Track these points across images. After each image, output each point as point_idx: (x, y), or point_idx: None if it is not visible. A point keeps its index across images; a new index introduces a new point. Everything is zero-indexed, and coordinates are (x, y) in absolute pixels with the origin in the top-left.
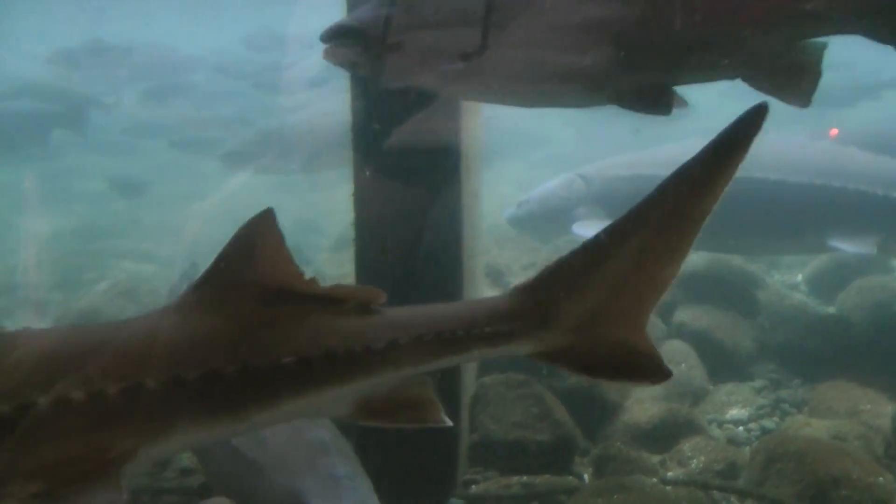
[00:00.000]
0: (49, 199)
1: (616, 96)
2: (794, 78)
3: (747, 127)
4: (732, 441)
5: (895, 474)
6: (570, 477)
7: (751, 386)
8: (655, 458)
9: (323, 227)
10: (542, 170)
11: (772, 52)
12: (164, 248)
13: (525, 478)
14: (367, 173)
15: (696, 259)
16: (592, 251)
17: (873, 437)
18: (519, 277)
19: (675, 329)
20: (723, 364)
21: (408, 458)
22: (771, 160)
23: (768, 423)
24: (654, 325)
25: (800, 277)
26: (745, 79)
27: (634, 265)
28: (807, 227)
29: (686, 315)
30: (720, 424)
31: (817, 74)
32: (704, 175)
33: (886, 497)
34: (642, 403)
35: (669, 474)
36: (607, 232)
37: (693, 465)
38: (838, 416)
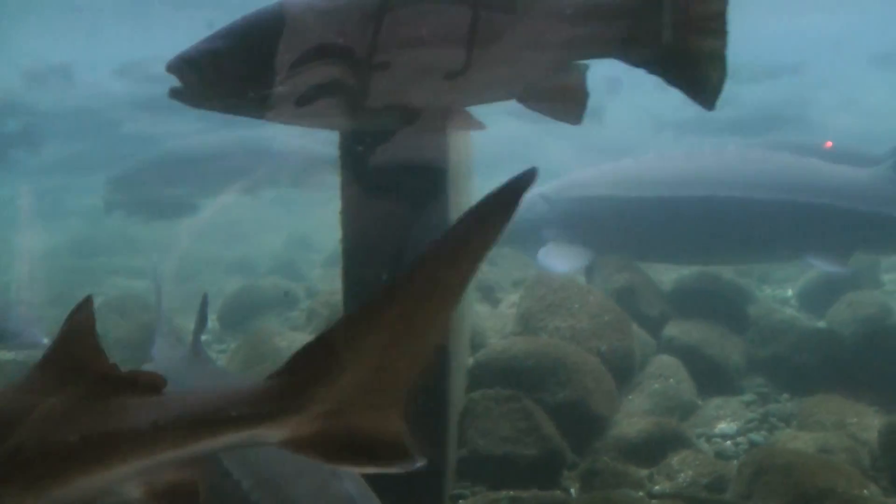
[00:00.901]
0: (43, 216)
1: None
2: (565, 98)
3: (512, 193)
4: (721, 455)
5: (881, 487)
6: (558, 491)
7: (740, 400)
8: (643, 472)
9: (317, 243)
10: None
11: (544, 75)
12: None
13: (513, 492)
14: (354, 189)
15: (686, 274)
16: (346, 330)
17: (860, 450)
18: (510, 294)
19: (664, 344)
20: (712, 378)
21: (394, 474)
22: (734, 177)
23: (756, 437)
24: (644, 340)
25: (790, 292)
26: (521, 100)
27: (392, 341)
28: (777, 242)
29: (676, 330)
30: (709, 438)
31: (585, 94)
32: (465, 241)
33: None
34: (631, 418)
35: (657, 488)
36: (363, 309)
37: (681, 479)
38: (826, 430)
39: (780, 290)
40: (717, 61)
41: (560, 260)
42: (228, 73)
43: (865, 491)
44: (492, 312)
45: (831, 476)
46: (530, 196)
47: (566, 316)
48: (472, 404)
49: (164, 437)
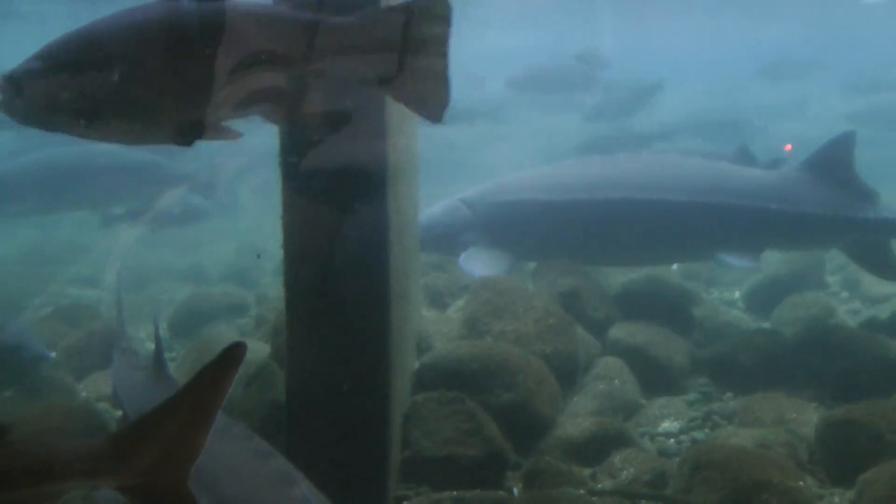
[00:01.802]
0: None
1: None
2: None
3: (220, 370)
4: (663, 453)
5: (818, 479)
6: (501, 491)
7: (683, 399)
8: (586, 472)
9: (269, 251)
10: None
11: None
12: (108, 274)
13: (456, 492)
14: (294, 195)
15: (633, 276)
16: (156, 414)
17: (798, 445)
18: (458, 299)
19: (609, 346)
20: (656, 379)
21: (336, 476)
22: (648, 180)
23: (699, 435)
24: (590, 342)
25: (737, 294)
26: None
27: (180, 431)
28: (690, 242)
29: (621, 332)
30: (652, 437)
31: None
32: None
33: (806, 500)
34: (575, 418)
35: (599, 486)
36: (167, 401)
37: (623, 477)
38: (765, 426)
39: (728, 293)
40: (440, 81)
41: (481, 264)
42: (49, 95)
43: (801, 483)
44: (439, 317)
45: (768, 469)
46: (452, 202)
47: (511, 319)
48: (416, 406)
49: (16, 480)
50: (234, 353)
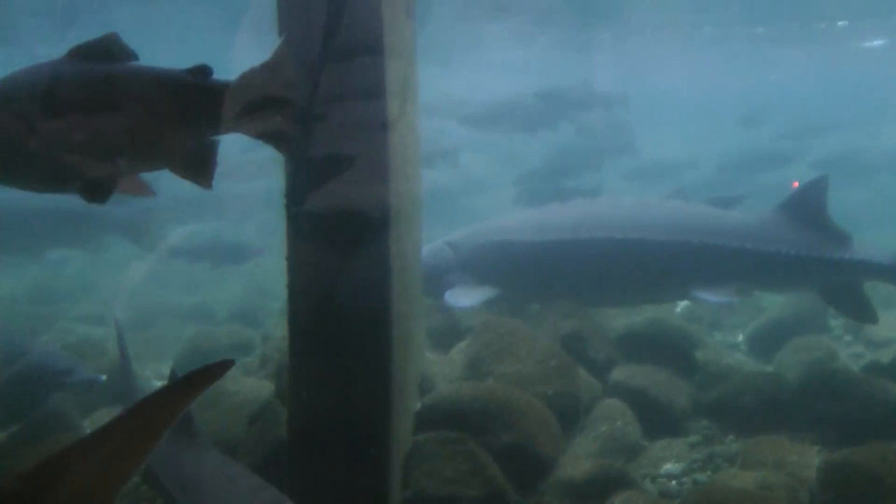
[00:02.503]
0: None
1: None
2: (198, 165)
3: (203, 378)
4: (665, 494)
5: None
6: None
7: (685, 441)
8: None
9: (273, 291)
10: None
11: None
12: (117, 311)
13: None
14: (297, 236)
15: (635, 319)
16: (80, 446)
17: (799, 488)
18: (460, 341)
19: (611, 387)
20: (658, 421)
21: None
22: (631, 220)
23: (701, 477)
24: (591, 383)
25: (740, 337)
26: (172, 169)
27: (106, 459)
28: (669, 280)
29: (622, 374)
30: (653, 479)
31: (212, 164)
32: (156, 408)
33: None
34: (576, 460)
35: None
36: (90, 435)
37: None
38: (766, 468)
39: (730, 336)
40: (286, 121)
41: (464, 298)
42: None
43: None
44: (441, 358)
45: None
46: (437, 244)
47: (513, 361)
48: (418, 446)
49: None
50: (206, 373)
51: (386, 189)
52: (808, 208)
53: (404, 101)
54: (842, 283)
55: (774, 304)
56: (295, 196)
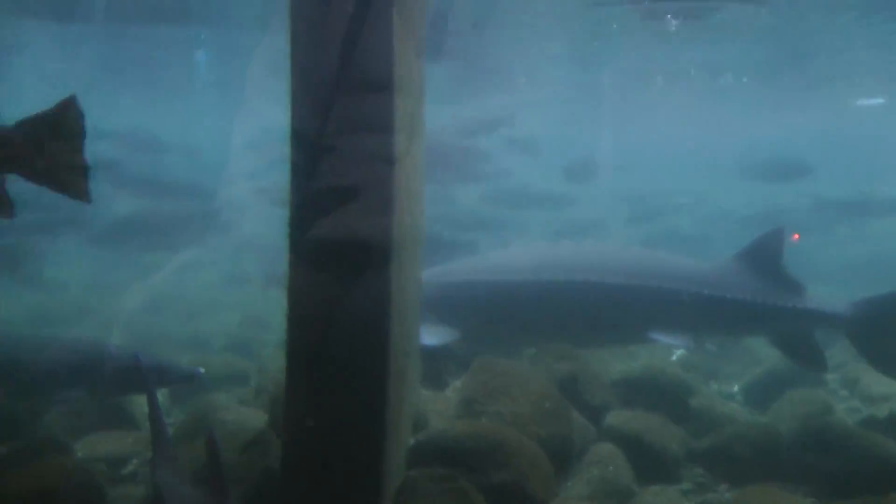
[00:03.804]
0: None
1: None
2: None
3: None
4: None
5: None
6: None
7: (678, 489)
8: None
9: (271, 323)
10: None
11: None
12: (113, 338)
13: None
14: (298, 266)
15: (632, 365)
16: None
17: None
18: (456, 379)
19: (605, 431)
20: (651, 467)
21: None
22: (591, 263)
23: None
24: (585, 427)
25: (736, 388)
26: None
27: None
28: (627, 322)
29: (617, 418)
30: None
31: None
32: None
33: None
34: (568, 502)
35: None
36: None
37: None
38: None
39: (726, 386)
40: (79, 173)
41: (427, 337)
42: None
43: None
44: (436, 396)
45: None
46: None
47: (507, 401)
48: (410, 481)
49: None
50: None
51: (390, 222)
52: (764, 258)
53: (411, 137)
54: (793, 331)
55: (771, 355)
56: (299, 225)
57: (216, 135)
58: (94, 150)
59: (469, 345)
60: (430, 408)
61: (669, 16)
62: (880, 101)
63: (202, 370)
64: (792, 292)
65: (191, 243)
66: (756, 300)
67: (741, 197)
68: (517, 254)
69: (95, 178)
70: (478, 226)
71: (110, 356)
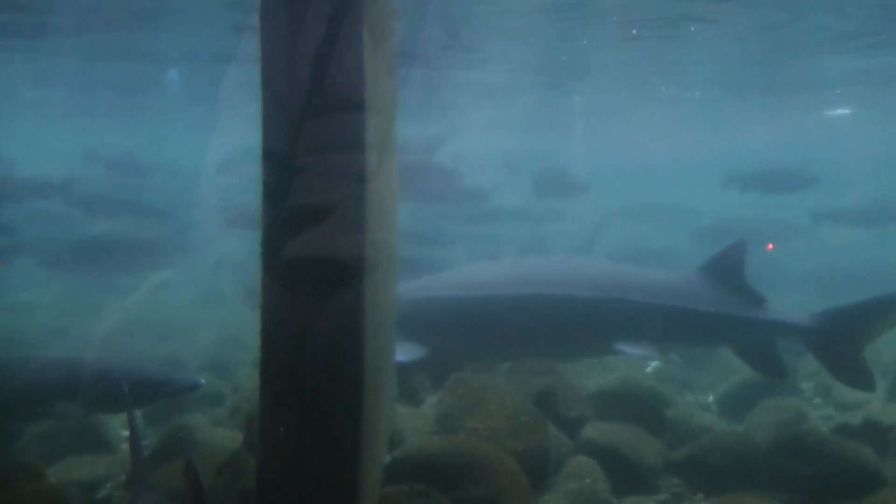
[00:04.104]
0: None
1: None
2: None
3: None
4: None
5: None
6: None
7: (654, 499)
8: None
9: (247, 342)
10: None
11: None
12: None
13: None
14: (272, 284)
15: (608, 378)
16: None
17: None
18: (432, 395)
19: (581, 444)
20: (628, 478)
21: None
22: (556, 277)
23: None
24: (561, 440)
25: (711, 398)
26: None
27: None
28: (593, 334)
29: (593, 431)
30: None
31: None
32: None
33: None
34: None
35: None
36: None
37: None
38: None
39: (702, 397)
40: None
41: (399, 353)
42: None
43: None
44: (413, 412)
45: None
46: None
47: (483, 416)
48: (386, 499)
49: None
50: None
51: (362, 239)
52: (727, 269)
53: (383, 154)
54: (756, 342)
55: (745, 365)
56: (272, 244)
57: (194, 154)
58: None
59: (441, 360)
60: (406, 424)
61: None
62: (846, 111)
63: (203, 381)
64: (754, 304)
65: (154, 265)
66: (719, 311)
67: (717, 208)
68: (484, 269)
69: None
70: (445, 241)
71: (104, 371)
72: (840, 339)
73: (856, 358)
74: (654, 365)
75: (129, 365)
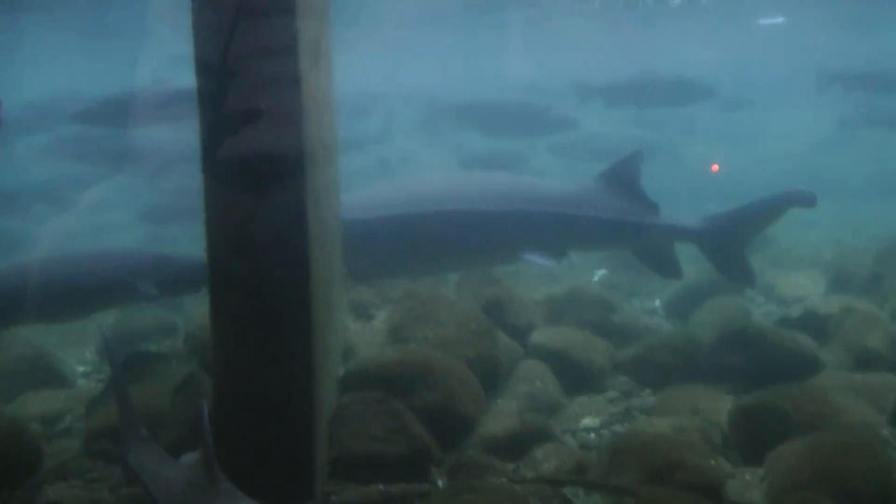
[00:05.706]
0: None
1: None
2: None
3: None
4: (585, 447)
5: (730, 460)
6: (425, 483)
7: (604, 397)
8: (509, 466)
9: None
10: None
11: None
12: None
13: (382, 486)
14: (213, 187)
15: (555, 289)
16: None
17: (712, 430)
18: (383, 311)
19: (531, 350)
20: (577, 379)
21: (266, 475)
22: (460, 192)
23: (620, 428)
24: (512, 347)
25: (657, 302)
26: None
27: None
28: (500, 244)
29: (542, 336)
30: (574, 433)
31: None
32: None
33: (719, 478)
34: (498, 417)
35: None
36: None
37: (545, 469)
38: (680, 414)
39: (648, 302)
40: None
41: None
42: None
43: (712, 462)
44: (364, 328)
45: (682, 451)
46: None
47: (434, 326)
48: (343, 408)
49: None
50: None
51: (298, 133)
52: (623, 179)
53: (317, 56)
54: (653, 245)
55: (690, 270)
56: (210, 147)
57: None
58: None
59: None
60: (358, 339)
61: None
62: (780, 20)
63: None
64: (650, 210)
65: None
66: (617, 218)
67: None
68: (387, 189)
69: None
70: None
71: (165, 258)
72: (726, 239)
73: (740, 256)
74: (600, 273)
75: (180, 253)
